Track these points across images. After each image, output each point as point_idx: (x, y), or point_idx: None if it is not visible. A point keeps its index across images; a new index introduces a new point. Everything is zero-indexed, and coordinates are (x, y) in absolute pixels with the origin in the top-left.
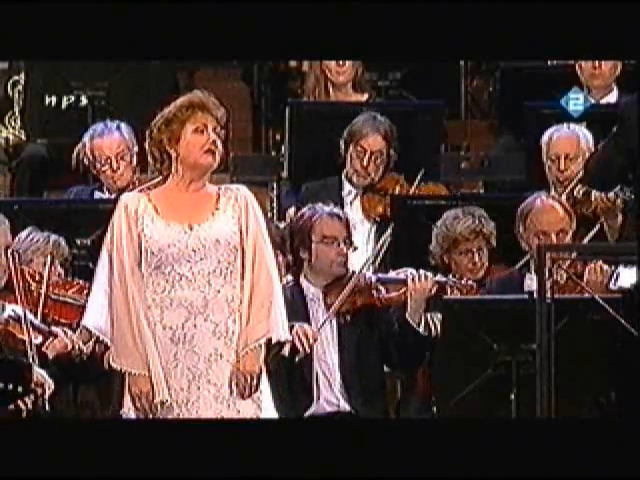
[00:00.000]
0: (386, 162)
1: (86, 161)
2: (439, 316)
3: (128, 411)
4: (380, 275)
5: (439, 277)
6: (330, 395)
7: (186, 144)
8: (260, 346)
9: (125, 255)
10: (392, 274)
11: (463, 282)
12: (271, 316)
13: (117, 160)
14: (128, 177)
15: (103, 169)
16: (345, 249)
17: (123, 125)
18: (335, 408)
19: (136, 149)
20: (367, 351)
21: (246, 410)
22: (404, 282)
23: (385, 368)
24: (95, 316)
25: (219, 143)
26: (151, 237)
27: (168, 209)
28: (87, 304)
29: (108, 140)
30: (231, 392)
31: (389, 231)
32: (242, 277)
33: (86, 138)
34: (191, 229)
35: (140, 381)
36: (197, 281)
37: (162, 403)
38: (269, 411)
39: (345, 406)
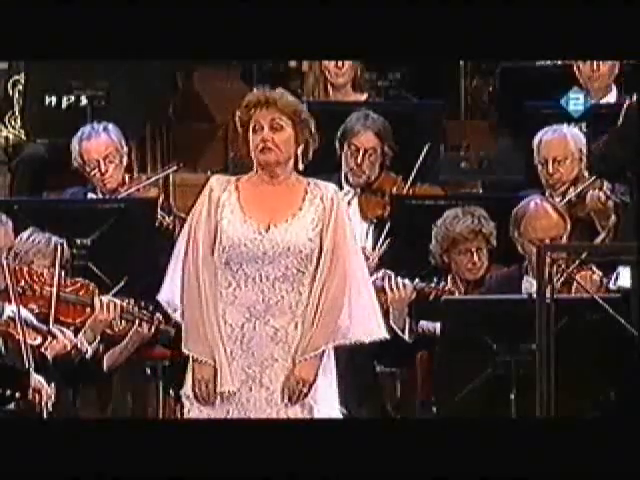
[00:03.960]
0: (381, 160)
1: (76, 164)
2: (422, 322)
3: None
4: None
5: (417, 283)
6: None
7: (250, 144)
8: (319, 355)
9: (200, 241)
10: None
11: (440, 287)
12: (360, 317)
13: (105, 163)
14: (118, 178)
15: (93, 172)
16: None
17: (110, 126)
18: None
19: (126, 149)
20: (357, 353)
21: (294, 416)
22: (383, 290)
23: (378, 368)
24: (168, 291)
25: (277, 139)
26: (226, 231)
27: (252, 202)
28: (164, 278)
29: (95, 143)
30: (283, 397)
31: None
32: (312, 281)
33: (75, 141)
34: (267, 231)
35: (204, 369)
36: (262, 284)
37: (222, 393)
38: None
39: (341, 409)
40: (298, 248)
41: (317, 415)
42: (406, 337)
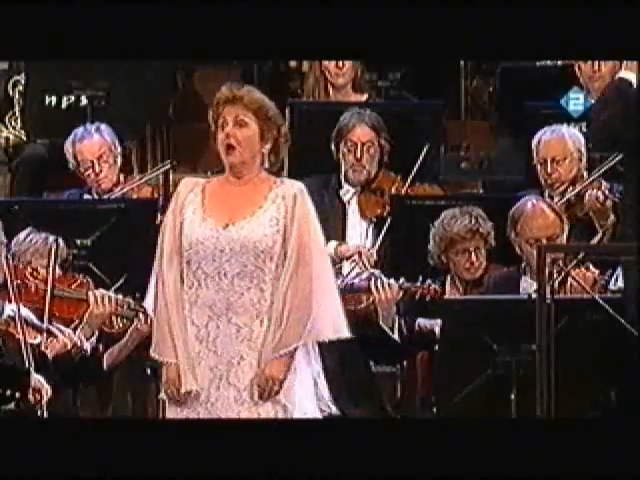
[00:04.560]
0: (379, 153)
1: (71, 166)
2: (420, 320)
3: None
4: (347, 281)
5: (403, 282)
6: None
7: (217, 141)
8: (290, 353)
9: (165, 243)
10: (357, 281)
11: (426, 285)
12: (326, 316)
13: (99, 163)
14: (113, 178)
15: (87, 173)
16: None
17: (103, 126)
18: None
19: (120, 149)
20: (350, 354)
21: (266, 414)
22: (369, 290)
23: (375, 368)
24: (148, 295)
25: (241, 135)
26: (185, 231)
27: (215, 202)
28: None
29: (89, 143)
30: (252, 395)
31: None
32: (276, 278)
33: (68, 143)
34: (225, 228)
35: (171, 369)
36: (221, 282)
37: (188, 393)
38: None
39: (337, 412)
40: (254, 244)
41: (293, 414)
42: (395, 336)
